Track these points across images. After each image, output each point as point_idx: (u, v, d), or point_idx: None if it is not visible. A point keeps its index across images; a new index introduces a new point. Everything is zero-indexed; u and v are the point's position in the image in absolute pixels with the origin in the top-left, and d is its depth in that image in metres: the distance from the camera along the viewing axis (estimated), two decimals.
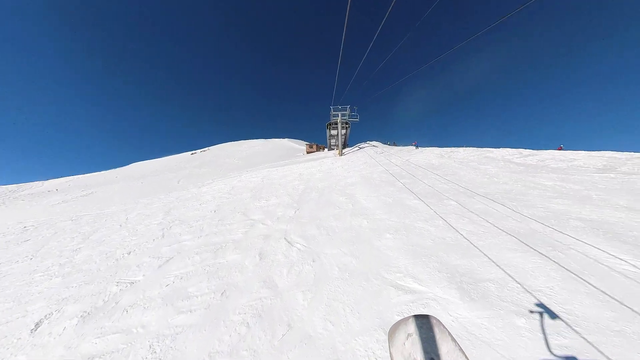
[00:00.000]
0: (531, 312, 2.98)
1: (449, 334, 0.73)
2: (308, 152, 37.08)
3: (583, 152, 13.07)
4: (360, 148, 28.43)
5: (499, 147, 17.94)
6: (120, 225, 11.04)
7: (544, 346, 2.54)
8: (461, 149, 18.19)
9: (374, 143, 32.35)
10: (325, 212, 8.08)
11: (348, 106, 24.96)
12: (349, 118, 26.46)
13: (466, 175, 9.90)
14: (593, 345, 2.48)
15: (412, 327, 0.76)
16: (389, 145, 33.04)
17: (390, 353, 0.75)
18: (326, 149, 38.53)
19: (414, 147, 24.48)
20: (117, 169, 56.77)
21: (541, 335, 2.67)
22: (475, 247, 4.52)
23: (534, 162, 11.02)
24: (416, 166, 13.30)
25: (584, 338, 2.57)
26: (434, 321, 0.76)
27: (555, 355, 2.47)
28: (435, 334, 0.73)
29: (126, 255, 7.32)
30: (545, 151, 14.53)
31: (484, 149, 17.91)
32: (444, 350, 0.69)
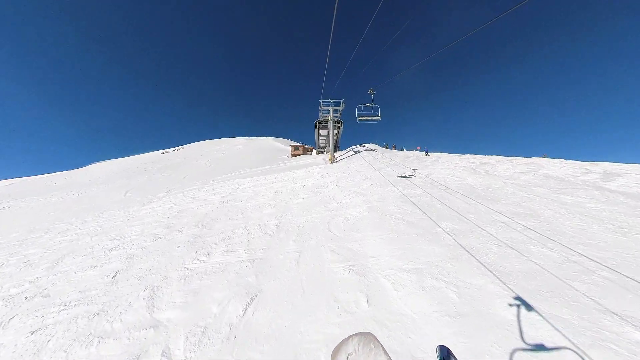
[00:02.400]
0: None
1: (382, 348, 0.80)
2: (293, 155, 32.63)
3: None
4: (356, 152, 24.23)
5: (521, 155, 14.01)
6: None
7: None
8: (492, 159, 14.25)
9: (370, 146, 28.22)
10: (310, 318, 3.72)
11: (342, 100, 20.60)
12: (371, 117, 14.74)
13: (561, 221, 5.76)
14: None
15: (351, 347, 0.82)
16: (387, 148, 29.06)
17: None
18: (314, 151, 34.20)
19: (421, 153, 20.53)
20: (74, 171, 50.26)
21: None
22: None
23: None
24: (446, 188, 9.18)
25: None
26: (370, 337, 0.83)
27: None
28: (371, 350, 0.80)
29: None
30: (609, 164, 10.81)
31: (520, 159, 14.08)
32: None
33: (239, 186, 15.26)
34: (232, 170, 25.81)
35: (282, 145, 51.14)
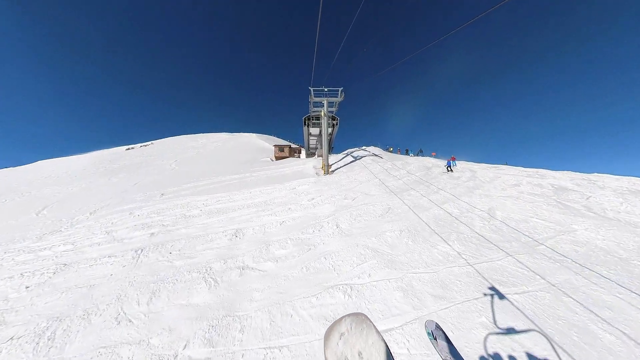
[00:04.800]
0: None
1: (375, 327, 0.83)
2: (277, 158, 27.94)
3: None
4: (356, 158, 19.83)
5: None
6: None
7: None
8: (560, 178, 10.08)
9: (372, 150, 23.86)
10: None
11: (340, 89, 16.09)
12: None
13: None
14: None
15: (344, 327, 0.83)
16: (391, 152, 24.80)
17: (325, 356, 0.81)
18: (303, 152, 29.63)
19: (440, 161, 16.35)
20: (10, 169, 43.64)
21: None
22: None
23: None
24: (560, 259, 4.94)
25: None
26: (362, 317, 0.85)
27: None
28: (363, 330, 0.82)
29: None
30: None
31: (600, 178, 10.05)
32: (369, 342, 0.80)
33: (189, 210, 10.57)
34: (196, 177, 20.92)
35: (266, 144, 46.25)
